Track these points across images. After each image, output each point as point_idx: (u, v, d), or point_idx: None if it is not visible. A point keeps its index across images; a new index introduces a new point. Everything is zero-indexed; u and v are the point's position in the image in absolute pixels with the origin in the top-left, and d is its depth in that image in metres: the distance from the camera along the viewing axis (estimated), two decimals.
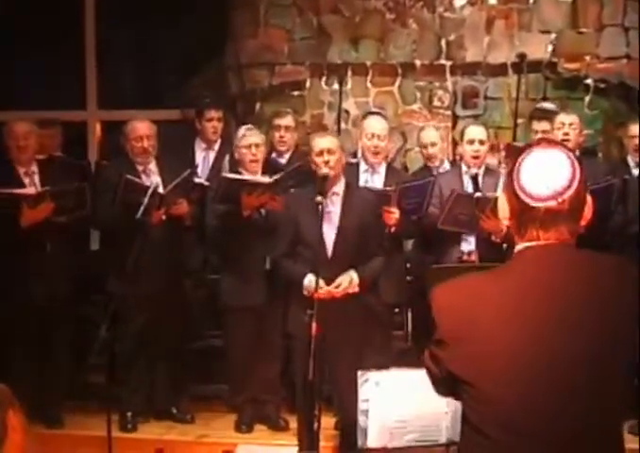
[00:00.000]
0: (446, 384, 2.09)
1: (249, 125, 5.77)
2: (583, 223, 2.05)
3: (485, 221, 5.11)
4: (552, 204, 1.99)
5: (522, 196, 2.01)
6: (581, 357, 1.96)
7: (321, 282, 4.57)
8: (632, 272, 2.06)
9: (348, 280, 4.71)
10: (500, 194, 2.11)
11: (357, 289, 4.75)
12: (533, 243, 2.03)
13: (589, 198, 2.05)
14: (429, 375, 2.13)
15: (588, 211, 2.05)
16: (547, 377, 1.96)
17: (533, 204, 2.00)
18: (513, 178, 2.04)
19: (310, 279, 4.65)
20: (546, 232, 2.02)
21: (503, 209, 2.08)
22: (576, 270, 2.02)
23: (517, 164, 2.04)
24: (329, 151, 4.83)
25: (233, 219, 5.24)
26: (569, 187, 1.99)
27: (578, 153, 5.73)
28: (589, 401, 1.97)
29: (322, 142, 4.90)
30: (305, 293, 4.67)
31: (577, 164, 2.01)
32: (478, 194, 5.19)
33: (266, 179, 5.23)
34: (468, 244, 5.42)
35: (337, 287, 4.68)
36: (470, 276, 2.12)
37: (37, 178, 5.50)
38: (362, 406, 3.34)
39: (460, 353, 2.01)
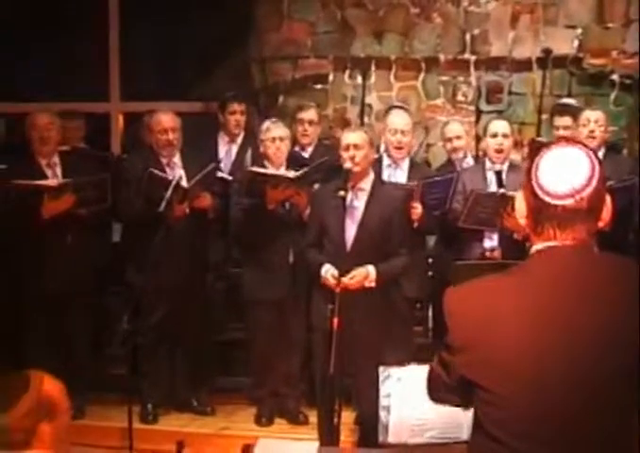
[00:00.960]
0: (450, 390, 2.08)
1: (274, 119, 5.76)
2: (602, 224, 2.03)
3: (507, 219, 5.09)
4: (570, 202, 1.96)
5: (540, 194, 1.99)
6: (600, 361, 1.93)
7: (335, 272, 4.57)
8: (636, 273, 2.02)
9: (364, 274, 4.70)
10: (518, 193, 2.09)
11: (373, 283, 4.73)
12: (551, 244, 2.01)
13: (608, 199, 2.02)
14: (432, 379, 2.12)
15: (607, 212, 2.02)
16: (563, 382, 1.93)
17: (552, 201, 1.98)
18: (531, 176, 2.01)
19: (326, 269, 4.66)
20: (563, 231, 1.99)
21: (520, 207, 2.06)
22: (594, 273, 1.99)
23: (536, 162, 2.02)
24: (356, 146, 4.83)
25: (258, 212, 5.24)
26: (588, 185, 1.96)
27: (603, 149, 5.71)
28: (607, 407, 1.94)
29: (350, 136, 4.90)
30: (322, 281, 4.67)
31: (596, 163, 1.98)
32: (501, 191, 5.17)
33: (291, 173, 5.22)
34: (491, 241, 5.40)
35: (351, 278, 4.66)
36: (483, 280, 2.08)
37: (59, 170, 5.52)
38: (383, 401, 3.33)
39: (474, 358, 1.99)
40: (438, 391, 2.14)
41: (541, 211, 2.00)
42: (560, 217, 1.98)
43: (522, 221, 2.06)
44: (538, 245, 2.03)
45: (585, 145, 2.04)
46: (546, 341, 1.94)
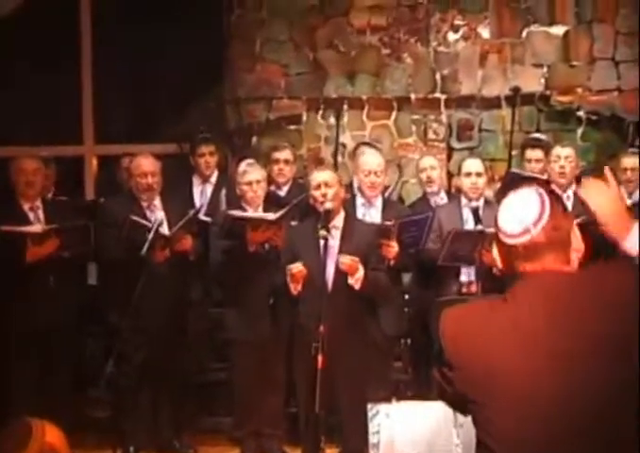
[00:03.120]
0: (457, 401, 2.15)
1: (250, 161, 5.84)
2: (578, 254, 2.11)
3: (485, 255, 5.16)
4: (527, 238, 2.06)
5: (501, 236, 2.11)
6: (591, 376, 2.00)
7: (299, 266, 4.71)
8: (631, 276, 2.09)
9: (356, 262, 4.72)
10: (493, 245, 2.20)
11: (359, 285, 4.78)
12: (529, 278, 2.10)
13: (577, 230, 2.11)
14: (441, 391, 2.17)
15: (578, 242, 2.11)
16: (555, 399, 2.00)
17: (510, 241, 2.09)
18: (495, 221, 2.14)
19: (289, 266, 4.72)
20: (532, 265, 2.09)
21: (494, 251, 2.18)
22: (576, 291, 2.06)
23: (497, 211, 2.15)
24: (327, 184, 4.89)
25: (238, 254, 5.29)
26: (539, 220, 2.06)
27: (574, 185, 5.84)
28: (600, 423, 2.00)
29: (320, 175, 4.96)
30: (287, 276, 4.74)
31: (546, 199, 2.08)
32: (479, 228, 5.25)
33: (272, 216, 5.28)
34: (467, 276, 5.47)
35: (344, 259, 4.74)
36: (475, 302, 2.23)
37: (41, 214, 5.54)
38: (372, 439, 3.36)
39: (465, 375, 2.07)
40: (450, 402, 2.20)
41: (507, 252, 2.11)
42: (523, 254, 2.08)
43: (499, 264, 2.17)
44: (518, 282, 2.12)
45: (540, 185, 2.16)
46: (537, 359, 2.01)
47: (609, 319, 2.03)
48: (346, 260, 4.75)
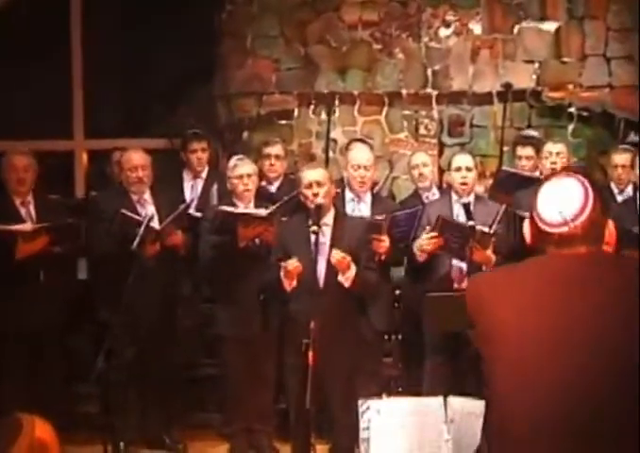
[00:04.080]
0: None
1: (240, 156, 5.82)
2: (607, 247, 2.19)
3: (475, 252, 5.16)
4: (564, 229, 2.13)
5: (538, 222, 2.18)
6: (591, 345, 2.07)
7: (295, 262, 4.66)
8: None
9: (348, 259, 4.74)
10: (526, 220, 2.28)
11: (349, 283, 4.77)
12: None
13: (611, 224, 2.19)
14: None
15: (610, 236, 2.19)
16: (554, 364, 2.07)
17: (548, 229, 2.16)
18: (533, 206, 2.21)
19: (284, 263, 4.70)
20: (560, 252, 2.17)
21: (526, 231, 2.25)
22: (589, 271, 2.14)
23: (538, 193, 2.20)
24: (319, 183, 4.87)
25: (228, 249, 5.28)
26: (580, 214, 2.12)
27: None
28: (607, 399, 2.05)
29: (311, 174, 4.93)
30: (282, 271, 4.71)
31: (590, 193, 2.14)
32: (470, 223, 5.24)
33: (263, 212, 5.27)
34: (459, 271, 5.46)
35: (336, 254, 4.73)
36: (500, 268, 2.41)
37: (32, 209, 5.53)
38: (363, 434, 3.35)
39: (480, 333, 2.20)
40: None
41: (541, 236, 2.19)
42: (557, 241, 2.16)
43: (529, 241, 2.26)
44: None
45: (582, 176, 2.19)
46: (540, 326, 2.10)
47: (615, 307, 2.09)
48: (338, 255, 4.74)
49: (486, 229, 5.14)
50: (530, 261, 2.22)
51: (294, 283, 4.72)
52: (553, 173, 2.32)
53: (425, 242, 5.24)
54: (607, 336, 2.06)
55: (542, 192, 2.18)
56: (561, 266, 2.15)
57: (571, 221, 2.12)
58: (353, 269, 4.77)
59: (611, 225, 2.19)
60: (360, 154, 5.76)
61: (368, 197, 5.68)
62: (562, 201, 2.13)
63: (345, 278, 4.77)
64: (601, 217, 2.16)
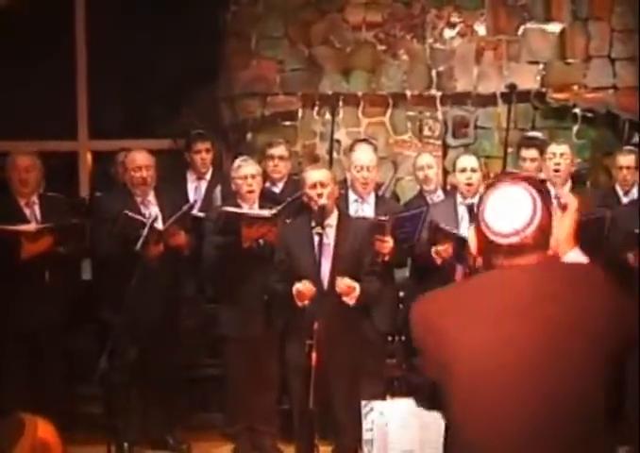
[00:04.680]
0: (427, 394, 2.19)
1: (244, 157, 5.81)
2: (551, 252, 2.12)
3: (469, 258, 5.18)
4: (515, 240, 2.07)
5: (486, 232, 2.10)
6: (548, 357, 2.02)
7: (307, 284, 4.65)
8: (601, 276, 2.13)
9: (353, 284, 4.73)
10: (469, 229, 2.20)
11: (354, 301, 4.77)
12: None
13: (555, 228, 2.13)
14: (416, 387, 2.18)
15: (555, 242, 2.12)
16: (512, 382, 2.02)
17: (497, 240, 2.08)
18: (478, 215, 2.12)
19: (298, 285, 4.68)
20: (510, 262, 2.10)
21: (472, 242, 2.17)
22: (541, 284, 2.08)
23: (483, 201, 2.12)
24: (322, 184, 4.88)
25: (232, 250, 5.27)
26: (530, 224, 2.06)
27: (570, 182, 5.83)
28: (567, 409, 2.01)
29: (315, 174, 4.94)
30: (298, 301, 4.69)
31: (539, 201, 2.08)
32: (454, 231, 5.27)
33: (267, 212, 5.27)
34: (462, 273, 5.46)
35: (342, 282, 4.73)
36: (444, 288, 2.24)
37: (37, 210, 5.54)
38: (366, 435, 3.35)
39: (431, 358, 2.10)
40: (422, 398, 2.29)
41: (489, 247, 2.11)
42: (506, 252, 2.09)
43: (474, 252, 2.18)
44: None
45: (529, 183, 2.12)
46: (496, 344, 2.04)
47: (575, 317, 2.04)
48: (343, 285, 4.74)
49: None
50: (479, 278, 2.15)
51: (306, 302, 4.69)
52: (496, 179, 2.20)
53: (441, 248, 5.26)
54: (566, 354, 2.02)
55: (489, 202, 2.09)
56: (513, 282, 2.07)
57: (522, 231, 2.05)
58: (357, 289, 4.77)
59: (554, 229, 2.12)
60: (363, 155, 5.76)
61: (372, 198, 5.68)
62: (511, 211, 2.06)
63: (350, 299, 4.77)
64: (550, 222, 2.10)
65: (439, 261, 5.34)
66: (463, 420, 2.04)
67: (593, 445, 2.03)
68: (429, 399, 2.22)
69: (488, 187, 2.15)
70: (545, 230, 2.08)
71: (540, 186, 2.13)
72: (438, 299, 2.16)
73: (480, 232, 2.11)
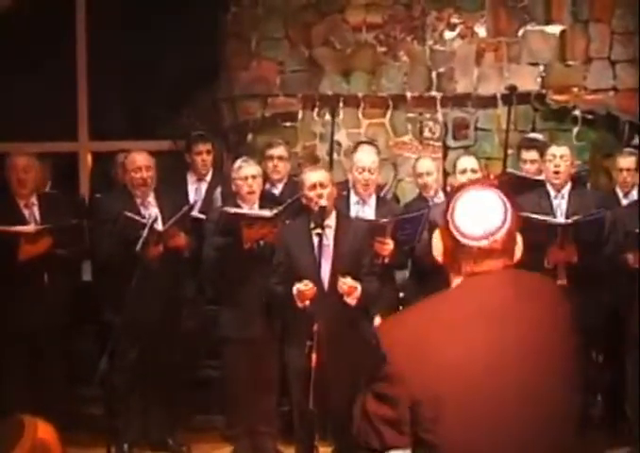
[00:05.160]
0: (399, 424, 2.07)
1: (245, 157, 5.81)
2: (514, 261, 2.14)
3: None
4: (485, 243, 2.07)
5: (456, 235, 2.09)
6: (516, 374, 2.03)
7: (309, 284, 4.66)
8: (552, 287, 2.20)
9: (355, 284, 4.72)
10: (435, 232, 2.18)
11: (355, 301, 4.77)
12: (468, 277, 2.12)
13: (519, 238, 2.14)
14: (381, 423, 2.07)
15: (519, 251, 2.14)
16: (491, 398, 2.02)
17: (467, 242, 2.08)
18: (447, 217, 2.11)
19: (299, 285, 4.68)
20: (479, 267, 2.10)
21: (437, 245, 2.16)
22: (508, 290, 2.10)
23: (452, 203, 2.12)
24: (322, 184, 4.89)
25: (232, 251, 5.27)
26: (501, 228, 2.08)
27: (570, 184, 5.83)
28: (540, 422, 2.03)
29: (314, 175, 4.95)
30: (299, 302, 4.67)
31: (509, 206, 2.09)
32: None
33: (268, 213, 5.27)
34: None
35: (345, 282, 4.74)
36: (410, 309, 2.25)
37: (36, 211, 5.54)
38: None
39: (412, 384, 2.03)
40: (392, 430, 2.09)
41: (457, 250, 2.11)
42: (475, 255, 2.09)
43: (439, 258, 2.17)
44: (457, 280, 2.14)
45: (499, 188, 2.14)
46: (477, 360, 2.04)
47: (541, 324, 2.08)
48: (345, 285, 4.75)
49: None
50: (445, 294, 2.13)
51: (307, 303, 4.70)
52: (464, 184, 2.20)
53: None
54: (535, 354, 2.05)
55: (459, 204, 2.10)
56: (479, 296, 2.08)
57: (491, 234, 2.07)
58: (359, 289, 4.77)
59: (519, 240, 2.14)
60: (364, 156, 5.76)
61: (373, 200, 5.68)
62: (482, 214, 2.07)
63: (352, 299, 4.78)
64: (517, 227, 2.11)
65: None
66: (450, 436, 2.01)
67: (573, 447, 2.07)
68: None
69: (457, 190, 2.15)
70: (513, 236, 2.11)
71: (509, 192, 2.14)
72: (406, 320, 2.14)
73: (447, 236, 2.11)
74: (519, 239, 2.14)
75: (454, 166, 5.79)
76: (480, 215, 2.08)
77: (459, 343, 2.04)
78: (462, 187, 2.16)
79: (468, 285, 2.11)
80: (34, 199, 5.59)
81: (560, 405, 2.06)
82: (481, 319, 2.06)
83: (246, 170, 5.45)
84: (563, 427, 2.07)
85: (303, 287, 4.68)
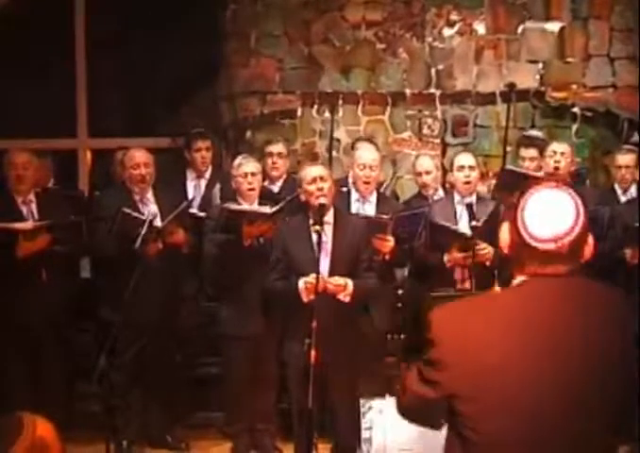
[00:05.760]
0: (430, 408, 2.13)
1: (245, 155, 5.81)
2: (582, 260, 2.11)
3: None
4: (551, 246, 2.04)
5: (524, 234, 2.06)
6: (571, 378, 2.03)
7: (310, 278, 4.60)
8: (622, 301, 2.14)
9: (343, 282, 4.73)
10: (504, 224, 2.15)
11: (348, 298, 4.77)
12: (531, 278, 2.10)
13: (591, 240, 2.10)
14: (409, 398, 2.14)
15: (588, 251, 2.10)
16: (536, 398, 2.02)
17: (533, 243, 2.05)
18: (517, 214, 2.08)
19: (303, 281, 4.67)
20: (543, 269, 2.07)
21: (504, 238, 2.13)
22: (569, 301, 2.08)
23: (523, 201, 2.09)
24: (322, 178, 4.88)
25: (233, 248, 5.26)
26: (570, 233, 2.04)
27: (569, 181, 5.84)
28: (577, 423, 2.03)
29: (314, 170, 4.94)
30: (304, 297, 4.68)
31: (581, 210, 2.05)
32: (473, 223, 5.25)
33: (268, 210, 5.26)
34: (461, 273, 5.46)
35: (333, 281, 4.71)
36: (466, 299, 2.20)
37: (34, 208, 5.53)
38: (365, 434, 3.37)
39: (456, 372, 2.05)
40: (418, 411, 2.17)
41: (523, 249, 2.08)
42: (541, 257, 2.06)
43: (505, 250, 2.14)
44: (519, 278, 2.11)
45: (573, 190, 2.10)
46: (527, 358, 2.03)
47: (594, 334, 2.05)
48: (336, 282, 4.73)
49: (469, 234, 5.17)
50: (503, 292, 2.14)
51: (312, 297, 4.68)
52: (539, 182, 2.14)
53: (458, 256, 5.29)
54: (592, 373, 2.03)
55: (531, 203, 2.07)
56: (537, 301, 2.06)
57: (559, 238, 2.03)
58: (350, 286, 4.76)
59: (590, 239, 2.11)
60: (366, 153, 5.76)
61: (373, 197, 5.68)
62: (553, 217, 2.03)
63: (344, 296, 4.77)
64: (586, 235, 2.08)
65: (449, 266, 5.34)
66: (489, 431, 2.03)
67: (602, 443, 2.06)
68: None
69: (531, 187, 2.11)
70: (583, 239, 2.06)
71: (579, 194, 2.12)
72: (463, 310, 2.12)
73: (515, 233, 2.08)
74: (590, 239, 2.09)
75: (451, 163, 5.79)
76: (550, 217, 2.03)
77: (501, 345, 2.03)
78: (536, 184, 2.12)
79: (528, 287, 2.08)
80: (32, 196, 5.58)
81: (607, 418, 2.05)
82: (531, 324, 2.03)
83: (246, 167, 5.45)
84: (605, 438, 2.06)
85: (311, 281, 4.65)
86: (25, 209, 5.53)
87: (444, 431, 3.30)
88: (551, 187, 2.09)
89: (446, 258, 5.32)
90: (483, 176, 6.96)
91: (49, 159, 6.59)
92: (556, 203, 2.04)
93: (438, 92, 7.55)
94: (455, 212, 5.53)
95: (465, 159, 5.65)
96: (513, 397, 2.01)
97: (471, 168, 5.57)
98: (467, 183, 5.53)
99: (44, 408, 5.36)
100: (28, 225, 5.39)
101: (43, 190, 5.92)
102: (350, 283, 4.75)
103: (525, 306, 2.06)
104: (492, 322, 2.06)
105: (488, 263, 5.28)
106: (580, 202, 2.06)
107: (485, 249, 5.22)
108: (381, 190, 6.04)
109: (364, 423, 3.31)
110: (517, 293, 2.10)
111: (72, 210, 5.73)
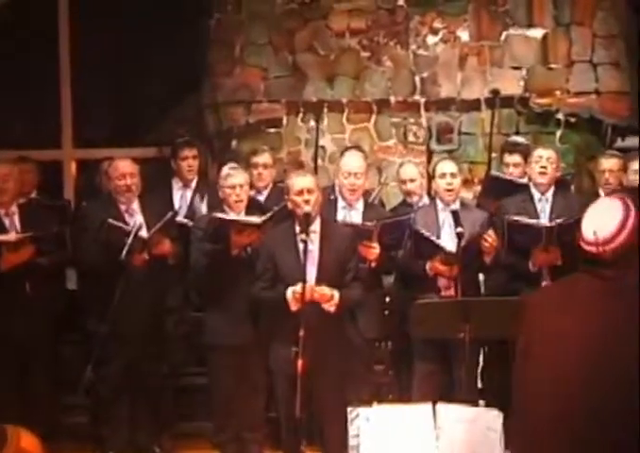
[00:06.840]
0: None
1: (233, 165, 5.81)
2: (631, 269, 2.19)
3: (432, 267, 5.30)
4: (592, 249, 2.18)
5: (579, 235, 2.25)
6: (617, 362, 2.16)
7: (297, 287, 4.60)
8: None
9: (329, 292, 4.73)
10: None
11: (333, 308, 4.76)
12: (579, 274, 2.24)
13: None
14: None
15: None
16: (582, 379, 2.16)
17: (581, 244, 2.22)
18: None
19: (292, 290, 4.67)
20: (585, 268, 2.23)
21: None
22: (610, 300, 2.18)
23: (590, 205, 2.28)
24: (309, 190, 4.88)
25: (220, 258, 5.25)
26: (612, 241, 2.16)
27: (554, 187, 5.85)
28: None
29: (301, 181, 4.93)
30: (292, 306, 4.67)
31: (631, 220, 2.16)
32: (459, 230, 5.25)
33: (257, 219, 5.25)
34: (446, 279, 5.46)
35: (318, 291, 4.70)
36: (549, 288, 2.41)
37: (17, 219, 5.50)
38: (352, 441, 3.36)
39: (540, 349, 2.22)
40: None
41: (580, 247, 2.26)
42: (585, 258, 2.22)
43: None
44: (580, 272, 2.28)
45: (632, 201, 2.21)
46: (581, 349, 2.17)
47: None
48: (322, 292, 4.73)
49: (453, 249, 5.18)
50: (564, 280, 2.32)
51: (300, 306, 4.67)
52: (614, 190, 2.38)
53: (441, 268, 5.30)
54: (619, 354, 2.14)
55: (591, 207, 2.25)
56: (581, 292, 2.20)
57: (601, 244, 2.15)
58: (336, 296, 4.76)
59: None
60: (351, 161, 5.75)
61: (360, 205, 5.67)
62: (600, 222, 2.16)
63: (329, 306, 4.76)
64: (634, 242, 2.16)
65: (431, 274, 5.35)
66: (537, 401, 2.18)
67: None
68: None
69: (606, 195, 2.31)
70: (629, 249, 2.15)
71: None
72: (545, 294, 2.42)
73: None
74: None
75: (434, 171, 5.80)
76: (597, 223, 2.16)
77: (565, 320, 2.18)
78: (609, 192, 2.32)
79: (574, 281, 2.24)
80: (14, 208, 5.55)
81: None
82: (582, 304, 2.17)
83: (235, 179, 5.42)
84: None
85: (299, 290, 4.65)
86: (7, 221, 5.50)
87: (431, 441, 3.31)
88: (613, 196, 2.25)
89: (427, 266, 5.33)
90: (468, 183, 6.99)
91: (33, 164, 6.54)
92: (606, 210, 2.18)
93: (423, 100, 7.57)
94: (438, 219, 5.53)
95: (447, 166, 5.66)
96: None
97: (453, 175, 5.57)
98: (450, 190, 5.54)
99: (30, 419, 5.40)
100: (11, 236, 5.36)
101: (27, 201, 5.89)
102: (336, 294, 4.75)
103: (572, 295, 2.20)
104: (562, 303, 2.21)
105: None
106: (632, 215, 2.16)
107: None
108: (370, 199, 6.04)
109: (352, 430, 3.31)
110: (569, 284, 2.26)
111: (56, 221, 5.71)
